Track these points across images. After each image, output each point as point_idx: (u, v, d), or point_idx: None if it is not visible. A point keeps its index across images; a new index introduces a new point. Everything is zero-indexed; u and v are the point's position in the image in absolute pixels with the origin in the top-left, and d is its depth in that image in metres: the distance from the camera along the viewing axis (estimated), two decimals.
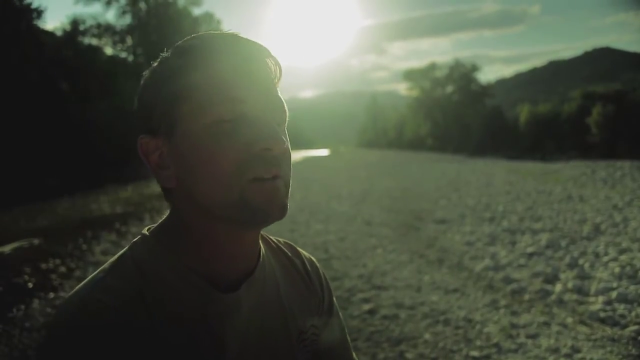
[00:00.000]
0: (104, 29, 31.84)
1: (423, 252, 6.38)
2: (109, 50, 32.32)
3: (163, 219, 0.70)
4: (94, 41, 31.19)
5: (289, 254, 0.84)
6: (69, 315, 0.58)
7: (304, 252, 0.88)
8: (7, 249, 7.48)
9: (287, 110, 0.67)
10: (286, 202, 0.63)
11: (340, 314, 0.91)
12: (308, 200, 12.52)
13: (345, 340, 0.89)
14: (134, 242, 0.68)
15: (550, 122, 38.15)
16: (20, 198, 13.55)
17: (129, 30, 33.13)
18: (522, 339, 3.50)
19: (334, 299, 0.91)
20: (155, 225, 0.70)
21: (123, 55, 33.22)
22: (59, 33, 28.03)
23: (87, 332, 0.56)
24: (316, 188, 15.99)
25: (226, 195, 0.60)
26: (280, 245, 0.84)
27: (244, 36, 0.65)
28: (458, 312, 4.06)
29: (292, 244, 0.88)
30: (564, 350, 3.29)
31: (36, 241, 8.02)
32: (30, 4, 20.34)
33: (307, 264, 0.86)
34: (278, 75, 0.66)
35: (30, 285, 5.55)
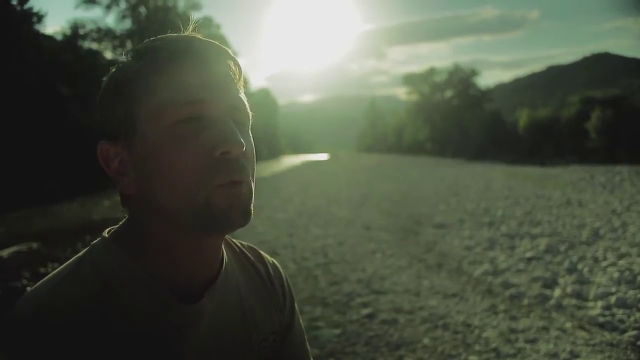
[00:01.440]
0: (104, 34, 31.85)
1: (422, 256, 6.38)
2: (108, 55, 32.33)
3: (124, 221, 0.67)
4: (94, 45, 31.22)
5: (252, 258, 0.83)
6: (22, 321, 0.56)
7: (267, 256, 0.88)
8: (5, 252, 7.47)
9: (249, 111, 0.66)
10: (250, 207, 0.62)
11: (301, 320, 0.91)
12: (307, 204, 12.52)
13: (305, 348, 0.89)
14: (93, 245, 0.65)
15: (549, 126, 38.16)
16: (20, 202, 13.53)
17: (129, 34, 33.15)
18: (520, 344, 3.50)
19: (296, 304, 0.90)
20: (116, 227, 0.68)
21: (123, 59, 33.25)
22: (58, 37, 28.07)
23: (40, 340, 0.54)
24: (315, 192, 15.99)
25: (189, 202, 0.59)
26: (243, 249, 0.83)
27: (203, 37, 0.64)
28: (457, 317, 4.06)
29: (255, 247, 0.87)
30: (563, 355, 3.29)
31: (35, 245, 8.01)
32: (31, 9, 20.41)
33: (270, 268, 0.85)
34: (238, 75, 0.65)
35: (28, 289, 5.53)
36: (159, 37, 0.64)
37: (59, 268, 0.63)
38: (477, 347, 3.47)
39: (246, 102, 0.66)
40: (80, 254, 0.65)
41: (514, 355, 3.34)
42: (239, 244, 0.83)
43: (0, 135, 15.97)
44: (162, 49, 0.61)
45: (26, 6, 20.20)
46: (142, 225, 0.64)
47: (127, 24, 33.30)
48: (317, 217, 10.22)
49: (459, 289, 4.87)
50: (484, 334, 3.69)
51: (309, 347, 0.90)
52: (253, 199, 0.64)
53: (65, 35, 28.28)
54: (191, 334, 0.64)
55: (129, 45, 33.38)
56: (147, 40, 0.64)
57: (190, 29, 0.65)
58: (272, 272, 0.85)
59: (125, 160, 0.62)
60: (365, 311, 4.28)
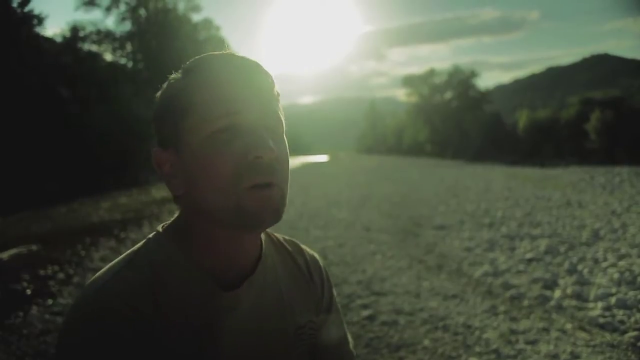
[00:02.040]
0: (104, 36, 31.85)
1: (422, 258, 6.37)
2: (108, 57, 32.37)
3: (175, 217, 0.76)
4: (94, 47, 31.24)
5: (292, 251, 0.89)
6: (87, 302, 0.66)
7: (307, 249, 0.93)
8: (5, 255, 7.46)
9: (283, 119, 0.73)
10: (280, 208, 0.69)
11: (340, 311, 0.94)
12: (307, 206, 12.52)
13: (344, 337, 0.93)
14: (148, 238, 0.75)
15: (549, 127, 38.15)
16: (19, 204, 13.52)
17: (129, 36, 33.17)
18: (521, 345, 3.50)
19: (335, 296, 0.94)
20: (169, 222, 0.77)
21: (123, 61, 33.26)
22: (58, 39, 28.07)
23: (99, 322, 0.63)
24: (315, 194, 15.99)
25: (224, 201, 0.66)
26: (283, 242, 0.89)
27: (239, 54, 0.72)
28: (457, 318, 4.06)
29: (295, 241, 0.92)
30: (563, 357, 3.29)
31: (35, 247, 8.01)
32: (31, 11, 20.41)
33: (309, 260, 0.90)
34: (271, 86, 0.72)
35: (28, 291, 5.53)
36: (203, 55, 0.72)
37: (119, 257, 0.72)
38: (477, 349, 3.47)
39: (279, 111, 0.73)
40: (137, 245, 0.74)
41: (515, 356, 3.34)
42: (280, 238, 0.90)
43: (0, 137, 15.96)
44: (203, 67, 0.70)
45: (27, 9, 20.22)
46: (188, 222, 0.73)
47: (127, 26, 33.36)
48: (317, 218, 10.22)
49: (459, 290, 4.87)
50: (485, 336, 3.68)
51: (349, 336, 0.95)
52: (286, 200, 0.70)
53: (65, 37, 28.29)
54: (229, 318, 0.72)
55: (128, 47, 33.48)
56: (192, 59, 0.73)
57: (227, 48, 0.73)
58: (311, 264, 0.91)
59: (175, 165, 0.70)
60: (365, 313, 4.28)
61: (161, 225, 0.76)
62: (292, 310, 0.81)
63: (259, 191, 0.65)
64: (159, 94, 0.74)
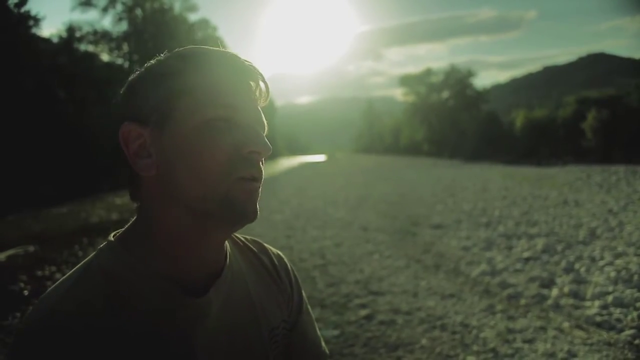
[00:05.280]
0: (100, 36, 31.73)
1: (419, 257, 6.38)
2: (105, 57, 32.25)
3: (129, 223, 0.70)
4: (90, 48, 31.12)
5: (256, 251, 0.85)
6: (35, 327, 0.58)
7: (271, 248, 0.90)
8: (2, 256, 7.44)
9: (266, 125, 0.72)
10: (257, 206, 0.67)
11: (310, 309, 0.92)
12: (304, 206, 12.52)
13: (316, 336, 0.90)
14: (100, 248, 0.68)
15: (546, 127, 38.22)
16: (15, 205, 13.48)
17: (126, 37, 33.06)
18: (518, 344, 3.51)
19: (304, 294, 0.92)
20: (121, 230, 0.70)
21: (119, 62, 33.14)
22: (55, 40, 27.98)
23: (53, 344, 0.56)
24: (313, 194, 15.99)
25: (213, 190, 0.63)
26: (247, 242, 0.85)
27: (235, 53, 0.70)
28: (455, 318, 4.06)
29: (258, 240, 0.88)
30: (561, 355, 3.30)
31: (32, 248, 7.99)
32: (28, 12, 20.34)
33: (275, 260, 0.87)
34: (265, 96, 0.73)
35: (25, 292, 5.52)
36: (198, 46, 0.70)
37: (68, 273, 0.65)
38: (475, 348, 3.48)
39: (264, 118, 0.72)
40: (87, 258, 0.67)
41: (512, 355, 3.34)
42: (242, 238, 0.85)
43: None
44: (205, 54, 0.68)
45: (23, 9, 20.14)
46: (151, 217, 0.67)
47: (124, 26, 33.21)
48: (315, 218, 10.22)
49: (457, 289, 4.88)
50: (482, 334, 3.69)
51: (319, 334, 0.92)
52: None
53: (61, 38, 28.17)
54: (200, 326, 0.66)
55: (125, 47, 33.36)
56: (187, 47, 0.70)
57: (220, 46, 0.71)
58: (277, 263, 0.87)
59: (148, 143, 0.65)
60: (363, 312, 4.28)
61: (112, 233, 0.70)
62: (263, 312, 0.78)
63: (247, 183, 0.64)
64: (142, 70, 0.68)
